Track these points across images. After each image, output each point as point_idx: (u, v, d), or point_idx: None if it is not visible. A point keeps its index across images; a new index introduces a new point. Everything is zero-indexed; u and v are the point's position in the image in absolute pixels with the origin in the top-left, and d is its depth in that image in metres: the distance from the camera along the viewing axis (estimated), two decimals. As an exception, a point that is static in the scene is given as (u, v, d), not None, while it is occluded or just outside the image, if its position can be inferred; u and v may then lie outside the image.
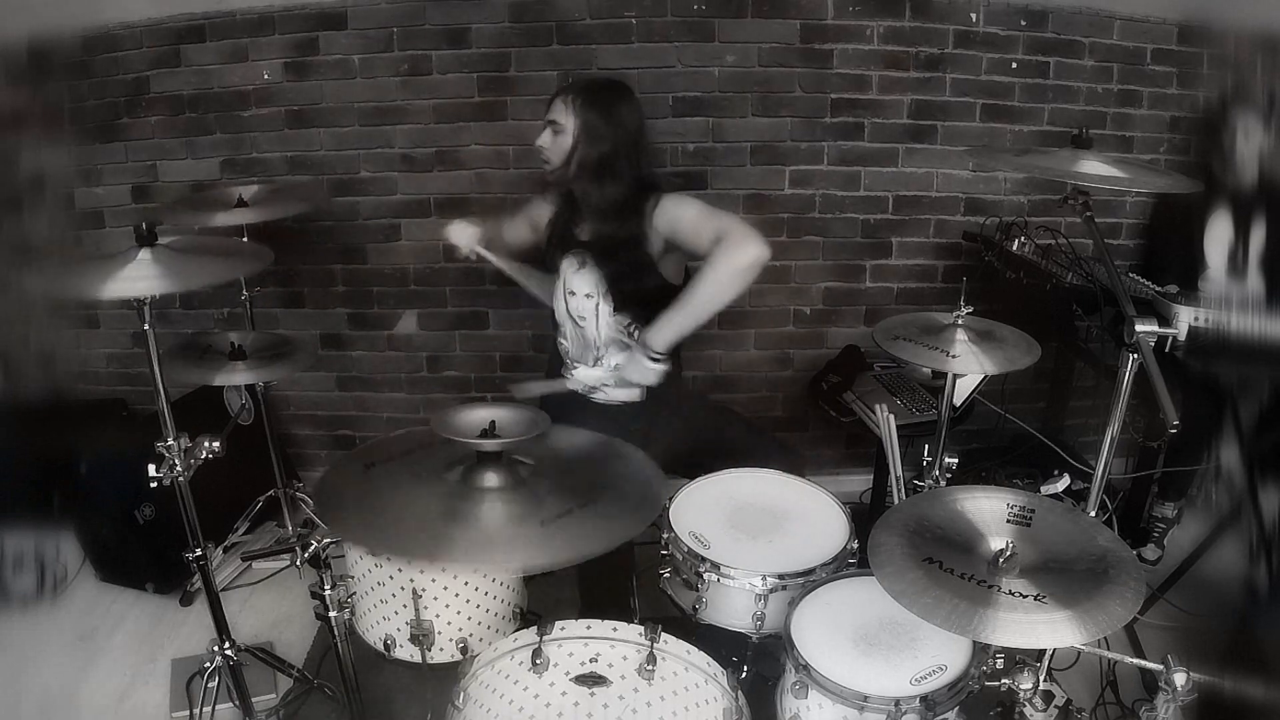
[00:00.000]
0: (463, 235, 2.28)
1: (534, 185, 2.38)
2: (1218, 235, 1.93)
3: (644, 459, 1.60)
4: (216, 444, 1.73)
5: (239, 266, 1.74)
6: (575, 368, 2.36)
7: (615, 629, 1.49)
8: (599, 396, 2.32)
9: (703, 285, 1.98)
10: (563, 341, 2.37)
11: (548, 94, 2.24)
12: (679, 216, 2.10)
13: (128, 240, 1.65)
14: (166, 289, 1.59)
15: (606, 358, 2.31)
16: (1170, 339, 2.08)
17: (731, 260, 1.93)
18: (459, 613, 1.75)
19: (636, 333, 2.28)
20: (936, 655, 1.52)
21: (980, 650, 1.51)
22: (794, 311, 3.08)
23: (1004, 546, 1.41)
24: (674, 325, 2.03)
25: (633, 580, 1.86)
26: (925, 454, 2.09)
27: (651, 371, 2.06)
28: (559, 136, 2.15)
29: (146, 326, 1.62)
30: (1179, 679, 1.35)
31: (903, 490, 2.13)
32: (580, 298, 2.27)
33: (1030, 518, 1.50)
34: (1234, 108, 2.04)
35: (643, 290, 2.22)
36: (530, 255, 2.44)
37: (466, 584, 1.74)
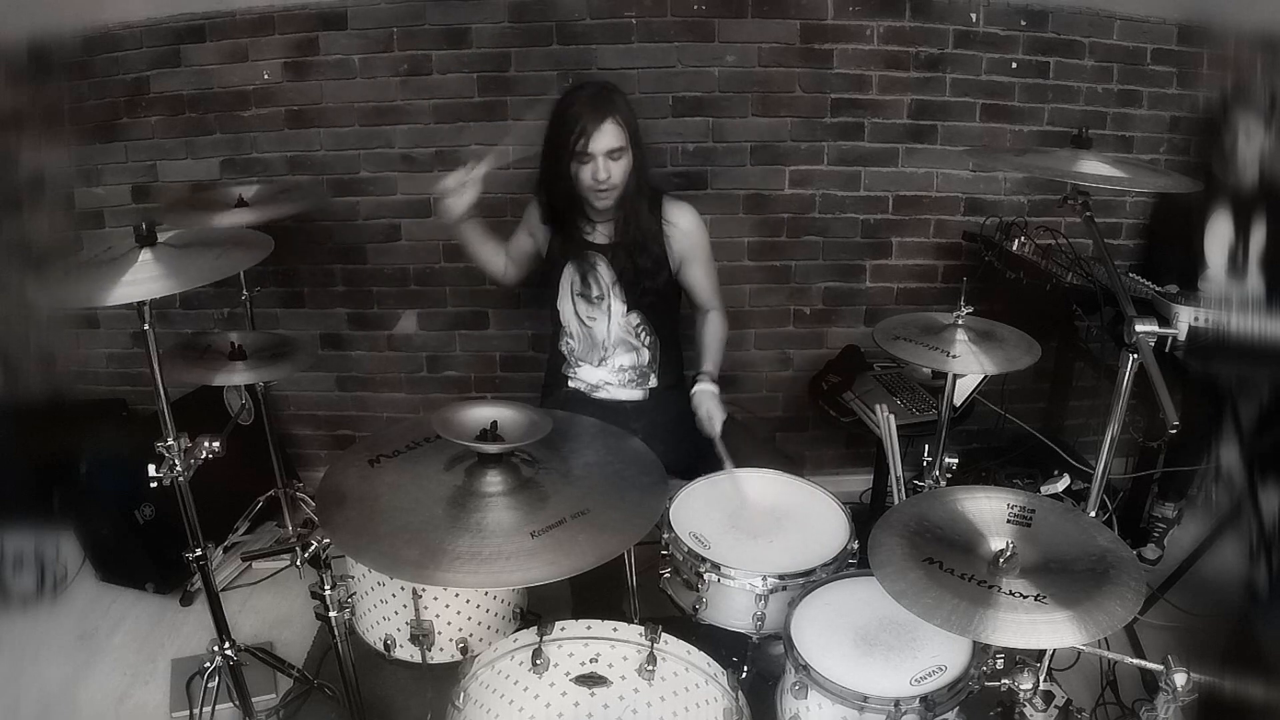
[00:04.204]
0: (460, 199, 2.13)
1: (537, 192, 2.34)
2: (1218, 235, 1.92)
3: (648, 454, 1.62)
4: (216, 444, 1.72)
5: (241, 259, 1.72)
6: (579, 367, 2.36)
7: (615, 629, 1.49)
8: (602, 394, 2.33)
9: (720, 329, 2.38)
10: (569, 341, 2.36)
11: (548, 94, 2.23)
12: (693, 231, 2.27)
13: (128, 240, 1.64)
14: (169, 289, 1.57)
15: (612, 358, 2.31)
16: (1170, 339, 2.09)
17: (724, 324, 2.40)
18: (459, 613, 1.76)
19: (645, 336, 2.29)
20: (936, 655, 1.52)
21: (980, 650, 1.51)
22: (794, 311, 3.08)
23: (1004, 546, 1.41)
24: (715, 359, 2.35)
25: (631, 582, 1.86)
26: (925, 454, 2.08)
27: (716, 397, 2.24)
28: (620, 161, 2.11)
29: (146, 326, 1.62)
30: (1179, 679, 1.35)
31: (903, 490, 2.13)
32: (590, 299, 2.27)
33: (1030, 518, 1.50)
34: (1234, 108, 2.04)
35: (655, 288, 2.23)
36: (531, 262, 2.43)
37: (467, 584, 1.74)
